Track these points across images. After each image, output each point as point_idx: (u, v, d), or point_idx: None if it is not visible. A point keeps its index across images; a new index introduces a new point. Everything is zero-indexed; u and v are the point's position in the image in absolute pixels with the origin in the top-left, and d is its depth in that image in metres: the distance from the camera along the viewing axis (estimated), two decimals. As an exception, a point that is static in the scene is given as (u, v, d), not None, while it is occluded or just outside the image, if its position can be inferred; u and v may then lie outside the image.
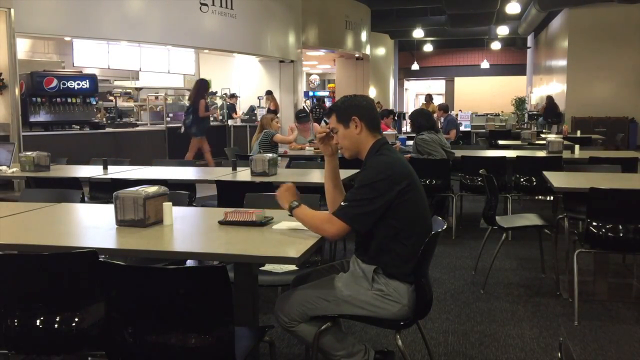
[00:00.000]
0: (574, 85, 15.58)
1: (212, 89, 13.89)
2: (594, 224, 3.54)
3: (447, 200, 6.08)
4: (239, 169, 4.97)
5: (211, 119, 12.73)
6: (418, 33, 18.83)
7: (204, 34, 10.99)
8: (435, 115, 10.39)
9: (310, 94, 22.41)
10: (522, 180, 5.77)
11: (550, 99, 15.04)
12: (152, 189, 2.66)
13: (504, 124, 14.51)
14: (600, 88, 15.45)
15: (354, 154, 2.56)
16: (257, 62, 14.31)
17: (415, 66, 23.76)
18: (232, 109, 12.87)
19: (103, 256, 2.34)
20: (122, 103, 11.96)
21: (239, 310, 2.27)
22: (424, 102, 14.56)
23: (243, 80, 14.64)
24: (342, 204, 2.38)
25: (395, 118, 14.84)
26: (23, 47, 9.93)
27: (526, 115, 17.27)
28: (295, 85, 14.19)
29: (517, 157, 5.87)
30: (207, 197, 5.69)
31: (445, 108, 10.67)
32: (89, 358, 2.43)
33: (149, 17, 9.88)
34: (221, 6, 11.18)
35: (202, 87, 9.43)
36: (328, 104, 17.63)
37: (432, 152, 5.87)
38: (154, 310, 2.04)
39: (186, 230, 2.70)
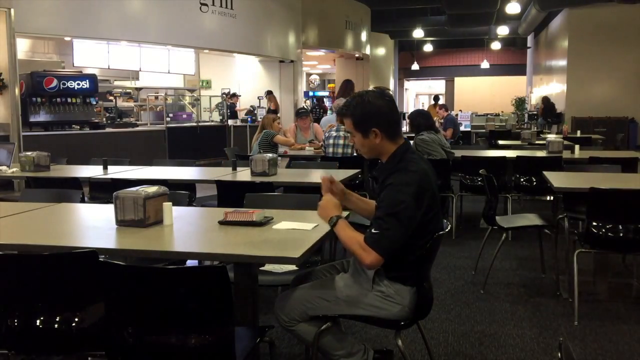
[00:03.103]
0: (574, 85, 15.57)
1: (212, 89, 13.93)
2: (594, 224, 3.54)
3: (447, 200, 6.08)
4: (239, 169, 4.97)
5: (212, 118, 12.79)
6: (418, 33, 18.82)
7: (204, 34, 10.99)
8: (438, 112, 10.40)
9: (310, 94, 22.40)
10: (522, 180, 5.77)
11: (546, 99, 15.02)
12: (152, 189, 2.66)
13: (504, 124, 14.51)
14: (600, 88, 15.44)
15: (372, 157, 2.47)
16: (257, 62, 14.31)
17: (415, 66, 23.74)
18: (233, 108, 12.88)
19: (103, 256, 2.34)
20: (122, 103, 11.97)
21: (239, 310, 2.27)
22: (433, 104, 14.56)
23: (243, 80, 14.64)
24: (373, 231, 2.26)
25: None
26: (23, 47, 9.93)
27: (526, 115, 17.27)
28: (295, 85, 14.20)
29: (517, 157, 5.87)
30: (207, 197, 5.69)
31: (445, 107, 10.71)
32: (89, 358, 2.43)
33: (149, 17, 9.89)
34: (221, 6, 11.18)
35: (348, 88, 9.58)
36: (328, 104, 17.61)
37: (432, 152, 5.87)
38: (154, 310, 2.04)
39: (186, 230, 2.70)
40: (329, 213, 2.37)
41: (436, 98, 14.80)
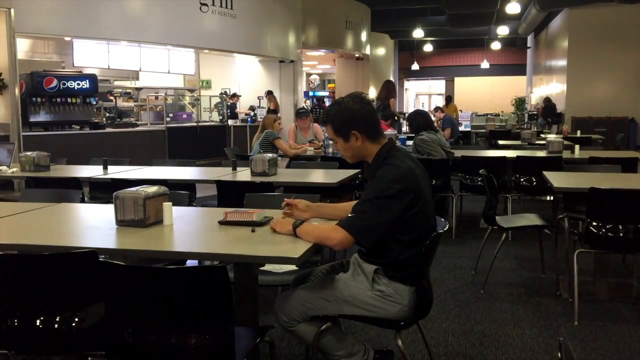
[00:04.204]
0: (574, 85, 15.57)
1: (212, 89, 13.93)
2: (594, 224, 3.54)
3: (447, 200, 6.08)
4: (239, 169, 4.97)
5: (212, 118, 12.79)
6: (418, 33, 18.82)
7: (204, 34, 11.00)
8: (434, 114, 10.43)
9: (310, 94, 22.41)
10: (522, 180, 5.77)
11: (547, 99, 15.03)
12: (152, 189, 2.66)
13: (504, 124, 14.50)
14: (600, 88, 15.44)
15: (358, 160, 2.53)
16: (257, 62, 14.31)
17: (415, 66, 23.74)
18: (233, 109, 12.87)
19: (103, 256, 2.34)
20: (122, 103, 11.97)
21: (239, 310, 2.27)
22: (445, 104, 14.57)
23: (243, 80, 14.64)
24: (349, 215, 2.34)
25: (396, 118, 14.85)
26: (23, 47, 9.93)
27: (526, 115, 17.29)
28: (295, 85, 14.20)
29: (517, 157, 5.87)
30: (207, 197, 5.69)
31: (441, 109, 10.74)
32: (89, 358, 2.43)
33: (149, 17, 9.89)
34: (221, 6, 11.18)
35: (390, 88, 9.65)
36: (328, 104, 17.59)
37: (432, 152, 5.87)
38: (154, 310, 2.04)
39: (186, 230, 2.69)
40: (288, 222, 2.44)
41: (448, 99, 14.78)
